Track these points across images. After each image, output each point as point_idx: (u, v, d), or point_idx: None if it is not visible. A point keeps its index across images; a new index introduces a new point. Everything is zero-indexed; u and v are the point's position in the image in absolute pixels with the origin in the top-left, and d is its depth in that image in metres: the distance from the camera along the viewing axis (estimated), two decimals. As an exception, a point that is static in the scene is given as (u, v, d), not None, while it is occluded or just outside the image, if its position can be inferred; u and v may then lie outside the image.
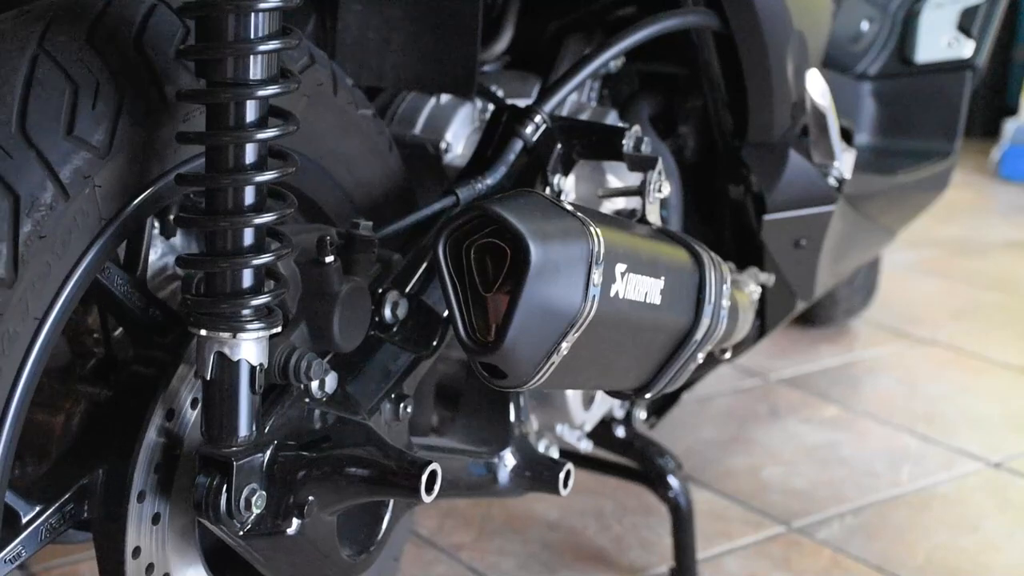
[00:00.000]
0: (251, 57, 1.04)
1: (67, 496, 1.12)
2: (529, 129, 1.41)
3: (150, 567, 1.16)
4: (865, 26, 2.30)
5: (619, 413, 1.81)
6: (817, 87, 1.73)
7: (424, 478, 1.13)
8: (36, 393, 1.06)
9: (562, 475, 1.39)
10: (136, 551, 1.14)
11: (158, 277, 1.29)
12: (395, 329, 1.30)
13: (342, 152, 1.34)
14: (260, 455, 1.13)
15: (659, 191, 1.37)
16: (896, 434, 2.39)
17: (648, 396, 1.30)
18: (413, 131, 1.63)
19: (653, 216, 1.35)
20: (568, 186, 1.47)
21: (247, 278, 1.08)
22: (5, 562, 1.07)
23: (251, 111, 1.05)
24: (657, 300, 1.20)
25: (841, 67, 2.25)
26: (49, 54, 1.03)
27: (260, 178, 1.06)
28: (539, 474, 1.40)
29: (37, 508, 1.10)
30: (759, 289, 1.73)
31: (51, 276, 1.02)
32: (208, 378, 1.09)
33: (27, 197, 0.99)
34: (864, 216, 2.04)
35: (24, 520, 1.09)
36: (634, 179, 1.48)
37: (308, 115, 1.26)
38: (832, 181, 1.80)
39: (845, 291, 2.85)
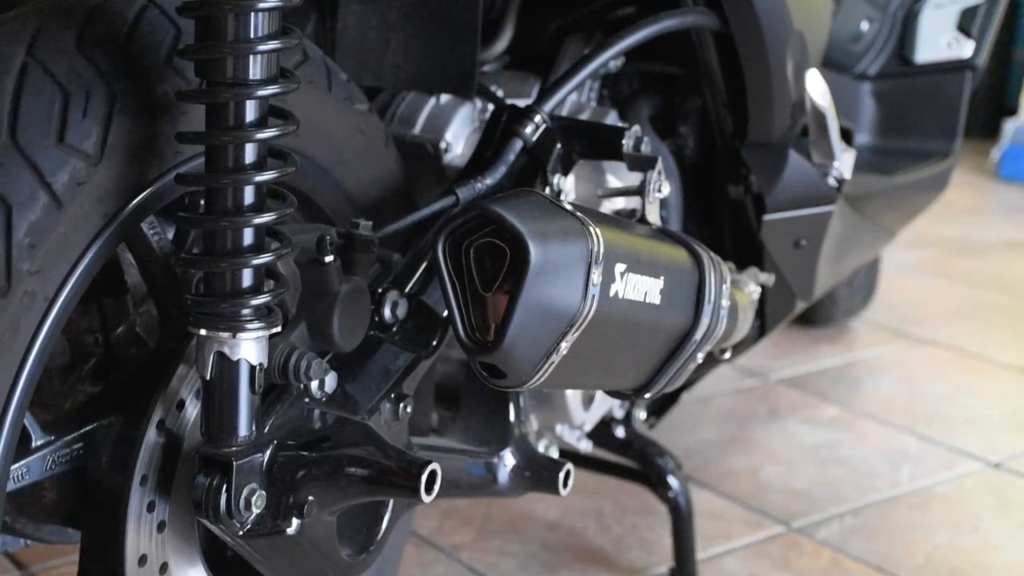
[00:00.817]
0: (251, 57, 1.04)
1: (78, 433, 1.13)
2: (529, 129, 1.41)
3: (151, 504, 1.16)
4: (865, 26, 2.30)
5: (619, 413, 1.81)
6: (817, 87, 1.73)
7: (424, 478, 1.13)
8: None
9: (562, 475, 1.39)
10: (144, 479, 1.14)
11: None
12: (395, 329, 1.30)
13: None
14: (260, 455, 1.13)
15: (659, 191, 1.37)
16: (896, 434, 2.39)
17: (648, 396, 1.30)
18: (413, 131, 1.63)
19: (653, 216, 1.35)
20: (568, 186, 1.47)
21: (247, 278, 1.08)
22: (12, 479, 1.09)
23: (251, 111, 1.05)
24: (656, 300, 1.20)
25: (841, 67, 2.25)
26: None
27: (260, 178, 1.06)
28: (539, 474, 1.41)
29: (50, 437, 1.12)
30: (759, 289, 1.73)
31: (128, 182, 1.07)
32: (208, 378, 1.09)
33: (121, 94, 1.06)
34: (864, 216, 2.04)
35: (34, 444, 1.11)
36: (634, 179, 1.48)
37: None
38: (832, 181, 1.80)
39: (845, 291, 2.85)
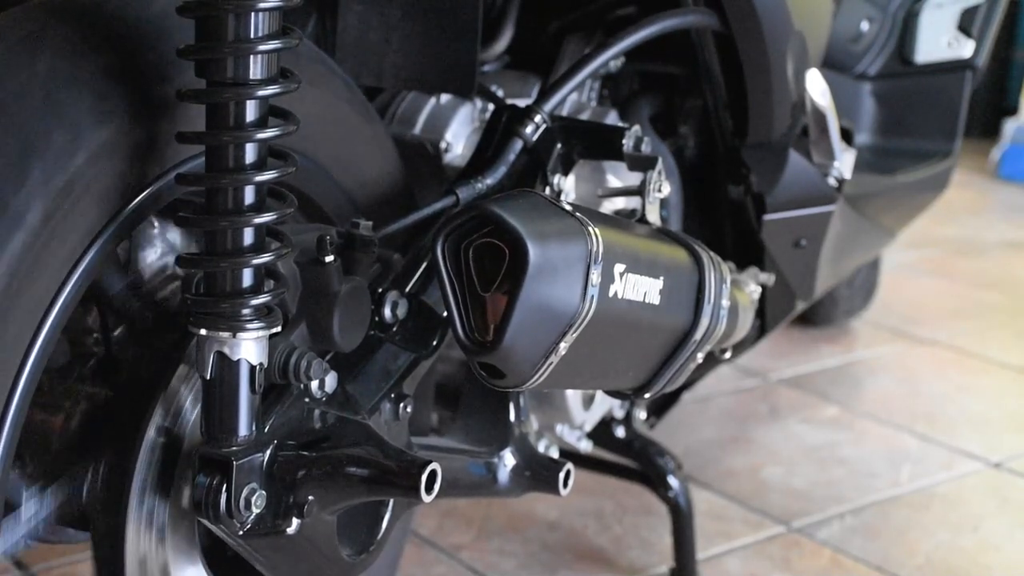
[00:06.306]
0: (251, 57, 1.04)
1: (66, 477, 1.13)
2: (529, 129, 1.41)
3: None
4: (865, 26, 2.30)
5: (619, 413, 1.81)
6: (817, 87, 1.73)
7: (424, 478, 1.13)
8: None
9: (562, 475, 1.39)
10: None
11: (158, 276, 1.29)
12: (395, 329, 1.30)
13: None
14: (260, 455, 1.13)
15: (659, 191, 1.37)
16: (896, 434, 2.39)
17: (647, 396, 1.30)
18: (413, 131, 1.63)
19: (653, 216, 1.35)
20: (568, 186, 1.47)
21: (247, 278, 1.08)
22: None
23: (251, 111, 1.05)
24: (656, 300, 1.20)
25: (841, 67, 2.25)
26: None
27: (260, 178, 1.07)
28: (539, 474, 1.40)
29: (37, 497, 1.12)
30: (759, 289, 1.73)
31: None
32: (208, 378, 1.09)
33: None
34: (864, 216, 2.04)
35: (24, 516, 1.11)
36: (634, 179, 1.48)
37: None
38: (832, 181, 1.80)
39: (845, 291, 2.85)
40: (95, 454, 1.15)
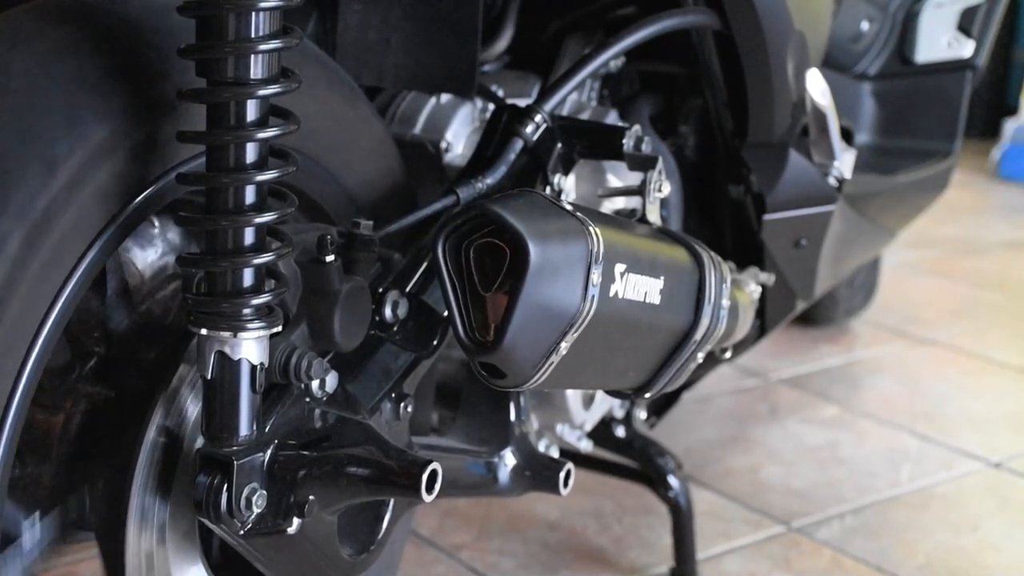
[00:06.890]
0: (252, 56, 1.04)
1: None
2: (529, 129, 1.41)
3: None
4: (865, 26, 2.30)
5: (619, 413, 1.81)
6: (817, 87, 1.73)
7: (424, 478, 1.13)
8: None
9: (562, 475, 1.39)
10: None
11: (159, 276, 1.29)
12: (395, 328, 1.30)
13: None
14: (261, 454, 1.13)
15: (659, 191, 1.37)
16: (896, 434, 2.39)
17: (648, 396, 1.30)
18: (413, 131, 1.63)
19: (653, 216, 1.35)
20: (568, 186, 1.47)
21: (248, 277, 1.08)
22: None
23: (252, 110, 1.05)
24: (656, 300, 1.20)
25: (841, 67, 2.25)
26: None
27: (261, 177, 1.07)
28: (539, 474, 1.41)
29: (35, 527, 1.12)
30: (759, 289, 1.73)
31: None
32: (209, 377, 1.09)
33: None
34: (864, 216, 2.04)
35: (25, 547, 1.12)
36: (634, 179, 1.48)
37: None
38: (832, 181, 1.80)
39: (845, 291, 2.85)
40: (91, 471, 1.15)
